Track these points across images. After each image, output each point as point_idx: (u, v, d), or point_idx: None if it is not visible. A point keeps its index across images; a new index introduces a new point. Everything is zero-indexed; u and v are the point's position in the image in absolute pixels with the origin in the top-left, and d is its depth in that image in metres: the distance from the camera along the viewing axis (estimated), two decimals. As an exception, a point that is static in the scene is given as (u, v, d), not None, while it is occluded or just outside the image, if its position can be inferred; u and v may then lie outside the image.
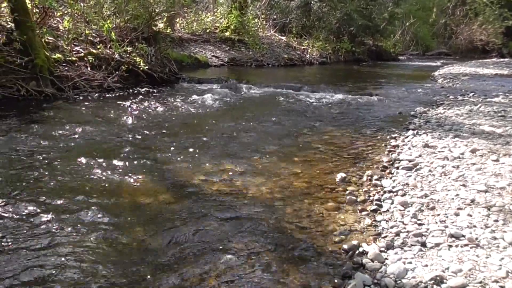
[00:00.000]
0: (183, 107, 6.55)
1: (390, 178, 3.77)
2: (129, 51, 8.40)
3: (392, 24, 21.29)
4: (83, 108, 6.28)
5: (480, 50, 26.63)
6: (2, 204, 2.97)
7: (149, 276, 2.27)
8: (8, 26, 7.32)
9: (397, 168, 4.00)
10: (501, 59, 22.37)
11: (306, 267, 2.41)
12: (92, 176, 3.55)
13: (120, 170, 3.72)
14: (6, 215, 2.83)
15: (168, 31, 12.17)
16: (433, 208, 3.06)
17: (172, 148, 4.44)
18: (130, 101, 6.83)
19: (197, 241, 2.64)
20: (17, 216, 2.82)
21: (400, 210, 3.09)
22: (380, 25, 19.37)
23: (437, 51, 26.54)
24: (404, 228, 2.81)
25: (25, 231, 2.64)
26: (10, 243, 2.49)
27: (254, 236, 2.73)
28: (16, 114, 5.56)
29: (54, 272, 2.26)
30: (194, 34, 14.94)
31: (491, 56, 24.86)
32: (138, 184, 3.47)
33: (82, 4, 8.49)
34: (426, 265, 2.35)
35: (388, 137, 5.19)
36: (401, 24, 23.71)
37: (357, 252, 2.56)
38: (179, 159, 4.13)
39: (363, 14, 18.26)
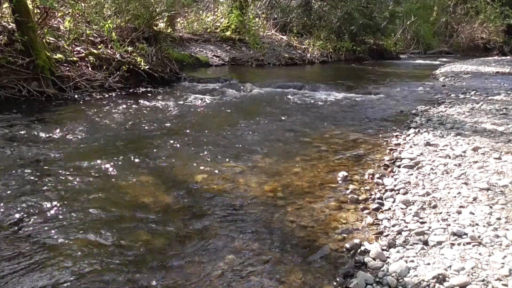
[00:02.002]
0: (184, 107, 6.55)
1: (392, 176, 3.77)
2: (130, 51, 8.41)
3: (393, 23, 21.18)
4: (85, 108, 6.29)
5: (481, 48, 26.54)
6: (1, 205, 2.97)
7: (150, 277, 2.27)
8: (10, 27, 7.34)
9: (399, 166, 3.99)
10: (503, 57, 22.32)
11: (307, 266, 2.41)
12: (92, 176, 3.55)
13: (121, 170, 3.72)
14: (6, 216, 2.83)
15: (168, 31, 12.17)
16: (435, 207, 3.06)
17: (173, 148, 4.44)
18: (131, 101, 6.84)
19: (199, 241, 2.63)
20: (17, 216, 2.82)
21: (402, 208, 3.09)
22: (381, 24, 19.29)
23: (438, 49, 26.45)
24: (406, 226, 2.80)
25: (23, 232, 2.64)
26: (9, 245, 2.50)
27: (256, 235, 2.73)
28: (17, 114, 5.57)
29: (54, 273, 2.26)
30: (195, 34, 14.93)
31: (492, 54, 24.77)
32: (139, 183, 3.47)
33: (83, 5, 8.50)
34: (428, 264, 2.35)
35: (389, 135, 5.18)
36: (402, 23, 23.63)
37: (359, 250, 2.55)
38: (180, 158, 4.13)
39: (364, 13, 18.20)
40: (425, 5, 27.89)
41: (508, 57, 22.78)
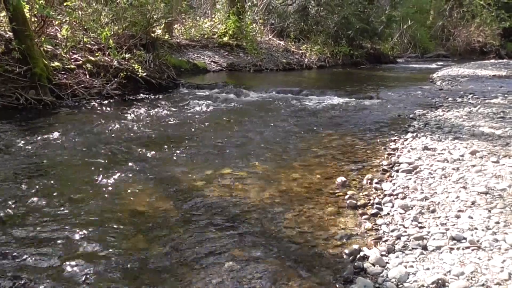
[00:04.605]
0: (182, 113, 6.55)
1: (390, 181, 3.77)
2: (127, 58, 8.42)
3: (389, 27, 21.23)
4: (82, 116, 6.29)
5: (478, 51, 26.62)
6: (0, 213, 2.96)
7: (149, 284, 2.26)
8: (7, 35, 7.35)
9: (397, 171, 3.99)
10: (499, 60, 22.39)
11: (307, 273, 2.40)
12: (90, 185, 3.55)
13: (119, 178, 3.71)
14: (4, 224, 2.82)
15: (166, 37, 12.17)
16: (433, 211, 3.05)
17: (171, 155, 4.44)
18: (128, 108, 6.84)
19: (198, 248, 2.63)
20: (15, 225, 2.81)
21: (400, 213, 3.09)
22: (378, 28, 19.35)
23: (435, 53, 26.51)
24: (405, 231, 2.80)
25: (22, 240, 2.63)
26: (9, 253, 2.48)
27: (255, 242, 2.72)
28: (15, 123, 5.57)
29: (53, 281, 2.25)
30: (192, 40, 14.95)
31: (489, 57, 24.86)
32: (138, 191, 3.47)
33: (80, 12, 8.51)
34: (428, 269, 2.34)
35: (387, 140, 5.18)
36: (399, 27, 23.70)
37: (358, 256, 2.54)
38: (178, 165, 4.12)
39: (361, 17, 18.26)
40: (422, 9, 28.03)
41: (504, 60, 22.86)
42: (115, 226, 2.87)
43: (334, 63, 17.67)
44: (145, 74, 8.41)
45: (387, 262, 2.46)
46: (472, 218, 2.87)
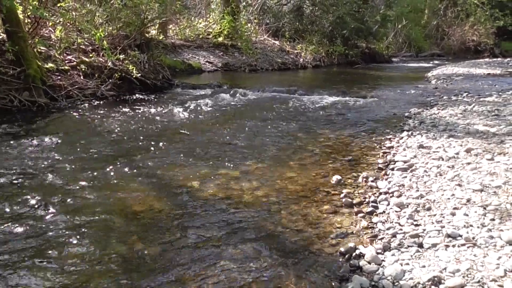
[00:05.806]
0: (177, 114, 6.54)
1: (386, 179, 3.77)
2: (121, 59, 8.38)
3: (384, 26, 21.30)
4: (77, 117, 6.25)
5: (472, 50, 26.71)
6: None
7: (145, 285, 2.25)
8: (0, 37, 7.30)
9: (392, 169, 3.99)
10: (494, 59, 22.47)
11: (303, 271, 2.39)
12: (85, 186, 3.52)
13: (114, 178, 3.69)
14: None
15: (160, 37, 12.14)
16: (429, 209, 3.06)
17: (166, 155, 4.42)
18: (123, 108, 6.81)
19: (193, 248, 2.62)
20: (10, 228, 2.79)
21: (396, 211, 3.09)
22: (373, 27, 19.41)
23: (430, 52, 26.59)
24: (401, 229, 2.80)
25: (17, 242, 2.61)
26: (5, 257, 2.46)
27: (250, 241, 2.72)
28: (9, 125, 5.52)
29: (49, 283, 2.23)
30: (187, 40, 14.92)
31: (483, 56, 24.95)
32: (133, 191, 3.45)
33: (74, 13, 8.47)
34: (424, 266, 2.34)
35: (383, 138, 5.19)
36: (394, 26, 23.76)
37: (354, 254, 2.54)
38: (173, 165, 4.10)
39: (356, 17, 18.31)
40: (416, 8, 28.12)
41: (499, 58, 22.95)
42: (109, 227, 2.85)
43: (329, 63, 17.71)
44: (139, 74, 8.38)
45: (383, 260, 2.45)
46: (467, 215, 2.87)
